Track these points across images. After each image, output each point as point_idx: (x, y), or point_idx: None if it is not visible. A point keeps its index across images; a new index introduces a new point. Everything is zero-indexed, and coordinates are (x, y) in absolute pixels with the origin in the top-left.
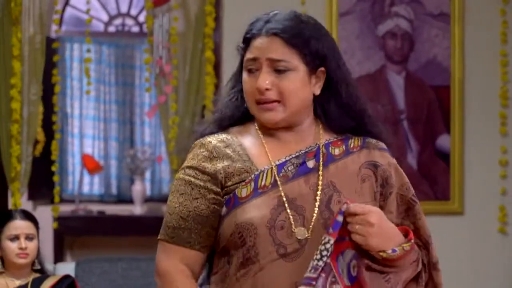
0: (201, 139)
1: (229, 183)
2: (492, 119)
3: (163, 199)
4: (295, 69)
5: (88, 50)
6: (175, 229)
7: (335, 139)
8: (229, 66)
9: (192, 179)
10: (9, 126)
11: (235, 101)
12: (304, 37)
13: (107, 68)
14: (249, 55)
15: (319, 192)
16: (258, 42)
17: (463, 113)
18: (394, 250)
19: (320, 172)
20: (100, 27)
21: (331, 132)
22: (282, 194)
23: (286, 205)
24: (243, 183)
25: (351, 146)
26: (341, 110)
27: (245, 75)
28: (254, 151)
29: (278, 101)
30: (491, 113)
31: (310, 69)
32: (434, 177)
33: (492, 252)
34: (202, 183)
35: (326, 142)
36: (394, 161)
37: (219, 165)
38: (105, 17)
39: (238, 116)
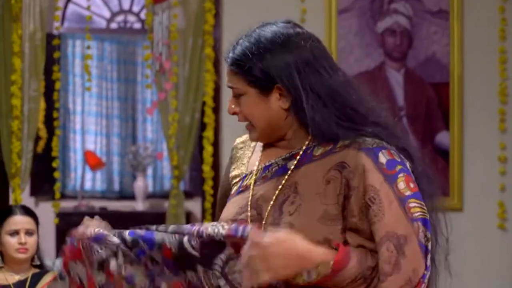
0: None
1: (232, 185)
2: (491, 115)
3: (165, 195)
4: (245, 94)
5: (88, 47)
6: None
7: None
8: None
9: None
10: (10, 122)
11: None
12: (245, 62)
13: (109, 64)
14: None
15: (277, 192)
16: (226, 70)
17: (462, 110)
18: (309, 276)
19: (289, 172)
20: (102, 23)
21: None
22: (250, 194)
23: (249, 204)
24: (234, 182)
25: (337, 146)
26: (315, 118)
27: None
28: (255, 155)
29: (250, 123)
30: (490, 110)
31: (261, 90)
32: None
33: (491, 248)
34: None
35: (316, 143)
36: (370, 161)
37: (232, 166)
38: (107, 14)
39: None
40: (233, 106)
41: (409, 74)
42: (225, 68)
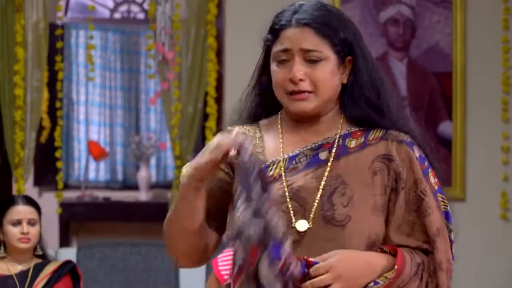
0: (228, 128)
1: None
2: (494, 105)
3: (168, 185)
4: (326, 59)
5: (91, 37)
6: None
7: (355, 130)
8: (231, 52)
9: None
10: (13, 112)
11: (260, 94)
12: (333, 26)
13: (112, 54)
14: (279, 46)
15: (323, 183)
16: (289, 32)
17: (465, 99)
18: (376, 283)
19: (329, 164)
20: (106, 13)
21: (352, 124)
22: (286, 185)
23: (288, 196)
24: None
25: (370, 138)
26: (362, 100)
27: (274, 66)
28: (270, 144)
29: (310, 91)
30: (493, 100)
31: (339, 58)
32: None
33: (494, 238)
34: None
35: (346, 132)
36: (413, 155)
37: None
38: (110, 4)
39: (262, 110)
40: (301, 73)
41: (412, 64)
42: (228, 55)
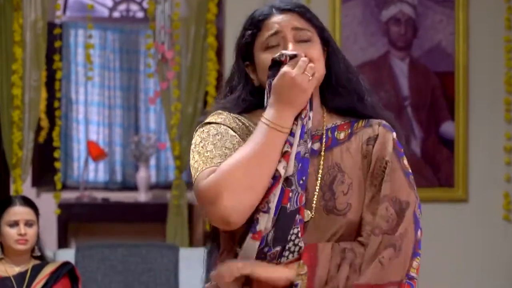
0: (216, 111)
1: None
2: (497, 105)
3: (168, 186)
4: (315, 41)
5: (90, 36)
6: (220, 157)
7: (341, 123)
8: (231, 52)
9: (222, 125)
10: (11, 112)
11: (242, 95)
12: (312, 12)
13: (111, 53)
14: (267, 32)
15: (320, 172)
16: (276, 18)
17: (467, 99)
18: (296, 285)
19: (323, 153)
20: (105, 12)
21: (335, 116)
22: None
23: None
24: None
25: (355, 128)
26: (342, 88)
27: (263, 55)
28: None
29: None
30: (496, 99)
31: (322, 43)
32: (438, 164)
33: (496, 240)
34: (233, 132)
35: (332, 126)
36: (391, 136)
37: (239, 133)
38: (109, 3)
39: (244, 107)
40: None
41: (414, 64)
42: (228, 54)
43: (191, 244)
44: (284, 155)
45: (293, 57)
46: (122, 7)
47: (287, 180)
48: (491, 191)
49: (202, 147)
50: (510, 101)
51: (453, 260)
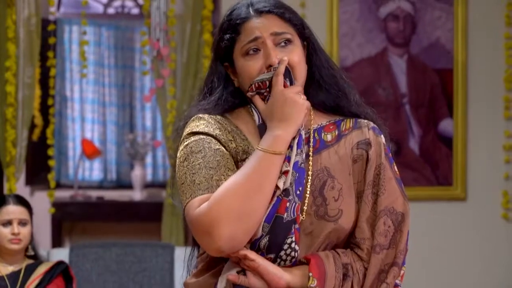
0: (197, 115)
1: (239, 159)
2: (496, 103)
3: (164, 185)
4: (294, 42)
5: (84, 33)
6: (207, 181)
7: (327, 123)
8: None
9: (204, 137)
10: (4, 109)
11: (223, 96)
12: (290, 11)
13: (106, 50)
14: (246, 38)
15: (310, 177)
16: (254, 22)
17: (466, 97)
18: None
19: (311, 158)
20: (99, 8)
21: (320, 113)
22: None
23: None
24: (241, 164)
25: (343, 129)
26: (325, 83)
27: (242, 61)
28: (249, 131)
29: None
30: (495, 97)
31: (302, 41)
32: (436, 162)
33: (495, 239)
34: (216, 143)
35: (319, 126)
36: (381, 140)
37: (223, 137)
38: None
39: (225, 108)
40: (278, 57)
41: (412, 60)
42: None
43: (187, 243)
44: (284, 172)
45: (270, 79)
46: (117, 3)
47: (285, 190)
48: (490, 189)
49: (187, 167)
50: (510, 99)
51: (452, 260)
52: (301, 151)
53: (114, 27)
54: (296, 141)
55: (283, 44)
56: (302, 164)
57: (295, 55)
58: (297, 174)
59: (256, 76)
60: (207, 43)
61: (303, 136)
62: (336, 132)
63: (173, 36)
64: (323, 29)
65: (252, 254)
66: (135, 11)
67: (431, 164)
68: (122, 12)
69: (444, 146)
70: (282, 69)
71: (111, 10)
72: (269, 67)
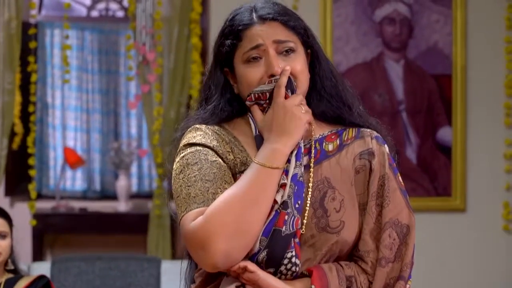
0: (194, 126)
1: (238, 171)
2: (497, 110)
3: (150, 195)
4: (297, 50)
5: (67, 37)
6: (203, 194)
7: (329, 133)
8: None
9: (201, 148)
10: None
11: (220, 105)
12: (294, 18)
13: (89, 55)
14: (248, 45)
15: (310, 188)
16: (256, 29)
17: (465, 103)
18: None
19: (312, 169)
20: (82, 11)
21: (321, 123)
22: None
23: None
24: (239, 176)
25: (345, 139)
26: (328, 93)
27: (243, 68)
28: (247, 142)
29: None
30: (496, 104)
31: (305, 49)
32: (434, 171)
33: (496, 252)
34: (213, 155)
35: (320, 136)
36: (385, 150)
37: (220, 149)
38: (87, 1)
39: (222, 117)
40: (280, 66)
41: (409, 66)
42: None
43: (174, 256)
44: (282, 186)
45: (270, 91)
46: (101, 5)
47: (283, 202)
48: (490, 200)
49: (182, 179)
50: (511, 106)
51: (451, 273)
52: (300, 163)
53: (98, 31)
54: (294, 153)
55: (285, 52)
56: (301, 178)
57: (298, 64)
58: (296, 187)
59: (256, 85)
60: (195, 47)
61: (302, 149)
62: (338, 142)
63: (160, 40)
64: (316, 33)
65: (252, 266)
66: (120, 14)
67: (429, 174)
68: (106, 15)
69: (443, 155)
70: (284, 80)
71: (94, 13)
72: (270, 76)
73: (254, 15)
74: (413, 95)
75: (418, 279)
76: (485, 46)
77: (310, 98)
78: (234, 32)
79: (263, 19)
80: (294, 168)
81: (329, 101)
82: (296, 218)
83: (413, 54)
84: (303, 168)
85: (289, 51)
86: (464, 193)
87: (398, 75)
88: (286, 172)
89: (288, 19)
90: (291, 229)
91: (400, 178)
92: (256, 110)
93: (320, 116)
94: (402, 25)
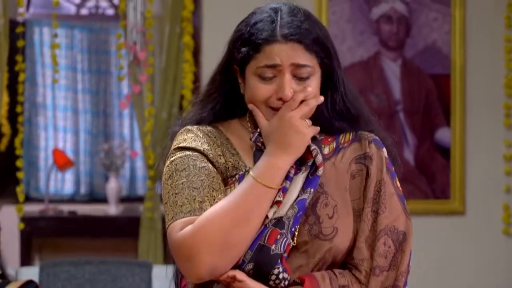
0: (185, 127)
1: (229, 175)
2: (496, 110)
3: (141, 198)
4: (315, 73)
5: (56, 35)
6: (189, 203)
7: (324, 137)
8: (209, 52)
9: (190, 153)
10: None
11: (218, 102)
12: (320, 40)
13: (79, 54)
14: (265, 61)
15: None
16: (277, 48)
17: (464, 104)
18: None
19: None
20: (72, 9)
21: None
22: None
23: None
24: (230, 181)
25: (342, 142)
26: (334, 112)
27: (255, 81)
28: (241, 145)
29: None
30: (495, 104)
31: (322, 71)
32: (433, 173)
33: (495, 255)
34: (202, 160)
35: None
36: (383, 154)
37: (211, 152)
38: None
39: (218, 116)
40: (292, 91)
41: (407, 65)
42: (206, 55)
43: (166, 261)
44: (276, 202)
45: None
46: (91, 3)
47: (279, 221)
48: (489, 203)
49: (170, 185)
50: (510, 106)
51: (450, 278)
52: (310, 190)
53: (87, 29)
54: (303, 176)
55: (301, 77)
56: (308, 204)
57: (312, 89)
58: (299, 212)
59: (263, 101)
60: (187, 46)
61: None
62: (334, 145)
63: (151, 39)
64: None
65: (241, 275)
66: (110, 12)
67: (427, 176)
68: (96, 13)
69: (441, 156)
70: (293, 106)
71: (84, 11)
72: (279, 99)
73: (277, 31)
74: (410, 95)
75: (417, 284)
76: (484, 45)
77: (317, 113)
78: (252, 42)
79: (286, 39)
80: (304, 193)
81: (337, 122)
82: (288, 240)
83: (410, 53)
84: (312, 195)
85: (306, 77)
86: (463, 196)
87: (395, 74)
88: (283, 189)
89: (311, 42)
90: (281, 250)
91: (397, 182)
92: (259, 114)
93: (329, 130)
94: (399, 24)
